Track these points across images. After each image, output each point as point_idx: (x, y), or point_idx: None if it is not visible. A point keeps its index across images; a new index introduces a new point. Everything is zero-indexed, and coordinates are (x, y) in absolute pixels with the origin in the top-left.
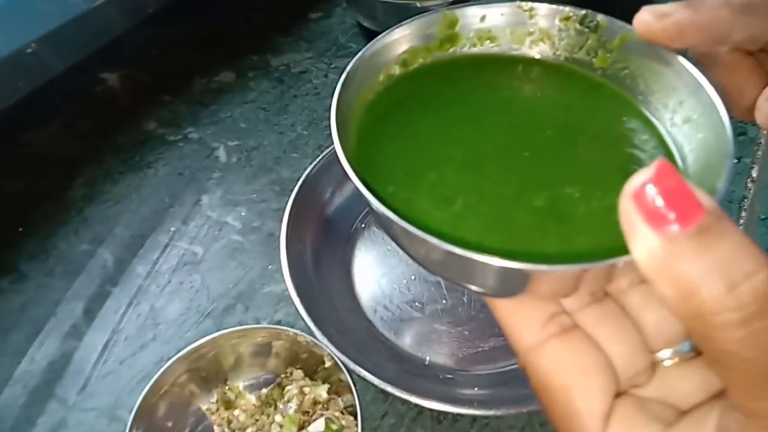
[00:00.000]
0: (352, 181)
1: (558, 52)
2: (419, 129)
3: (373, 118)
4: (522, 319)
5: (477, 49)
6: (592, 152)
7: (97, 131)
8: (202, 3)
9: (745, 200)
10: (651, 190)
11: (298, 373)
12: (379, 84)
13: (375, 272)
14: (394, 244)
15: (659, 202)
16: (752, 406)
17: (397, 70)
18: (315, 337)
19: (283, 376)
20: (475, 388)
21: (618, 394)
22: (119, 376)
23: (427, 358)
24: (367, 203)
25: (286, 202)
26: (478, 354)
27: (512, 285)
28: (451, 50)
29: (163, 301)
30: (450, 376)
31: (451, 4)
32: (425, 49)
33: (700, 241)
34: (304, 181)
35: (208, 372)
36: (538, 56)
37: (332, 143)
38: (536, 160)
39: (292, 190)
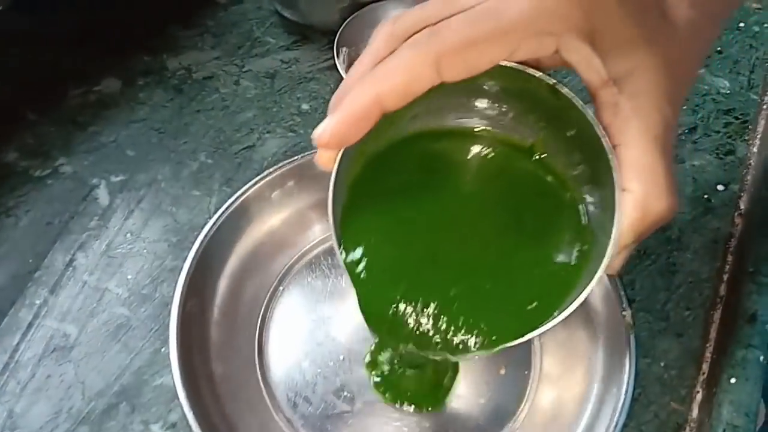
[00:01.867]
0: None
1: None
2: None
3: (368, 179)
4: None
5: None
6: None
7: None
8: None
9: (732, 240)
10: None
11: None
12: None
13: (295, 352)
14: (319, 314)
15: None
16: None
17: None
18: None
19: None
20: None
21: None
22: None
23: None
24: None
25: (186, 258)
26: None
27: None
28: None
29: (25, 403)
30: None
31: None
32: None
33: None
34: (207, 232)
35: None
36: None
37: (243, 177)
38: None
39: (193, 242)
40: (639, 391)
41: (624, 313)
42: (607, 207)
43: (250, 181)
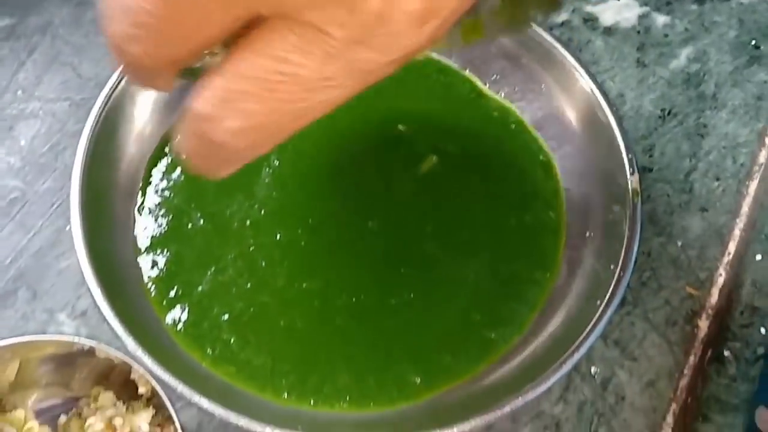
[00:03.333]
0: None
1: None
2: None
3: None
4: None
5: None
6: None
7: None
8: None
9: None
10: None
11: (107, 397)
12: None
13: None
14: None
15: None
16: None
17: None
18: (126, 347)
19: (86, 400)
20: None
21: None
22: None
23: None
24: None
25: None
26: None
27: None
28: None
29: None
30: None
31: None
32: None
33: None
34: (114, 85)
35: None
36: None
37: None
38: None
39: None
40: (648, 274)
41: (630, 177)
42: None
43: None
